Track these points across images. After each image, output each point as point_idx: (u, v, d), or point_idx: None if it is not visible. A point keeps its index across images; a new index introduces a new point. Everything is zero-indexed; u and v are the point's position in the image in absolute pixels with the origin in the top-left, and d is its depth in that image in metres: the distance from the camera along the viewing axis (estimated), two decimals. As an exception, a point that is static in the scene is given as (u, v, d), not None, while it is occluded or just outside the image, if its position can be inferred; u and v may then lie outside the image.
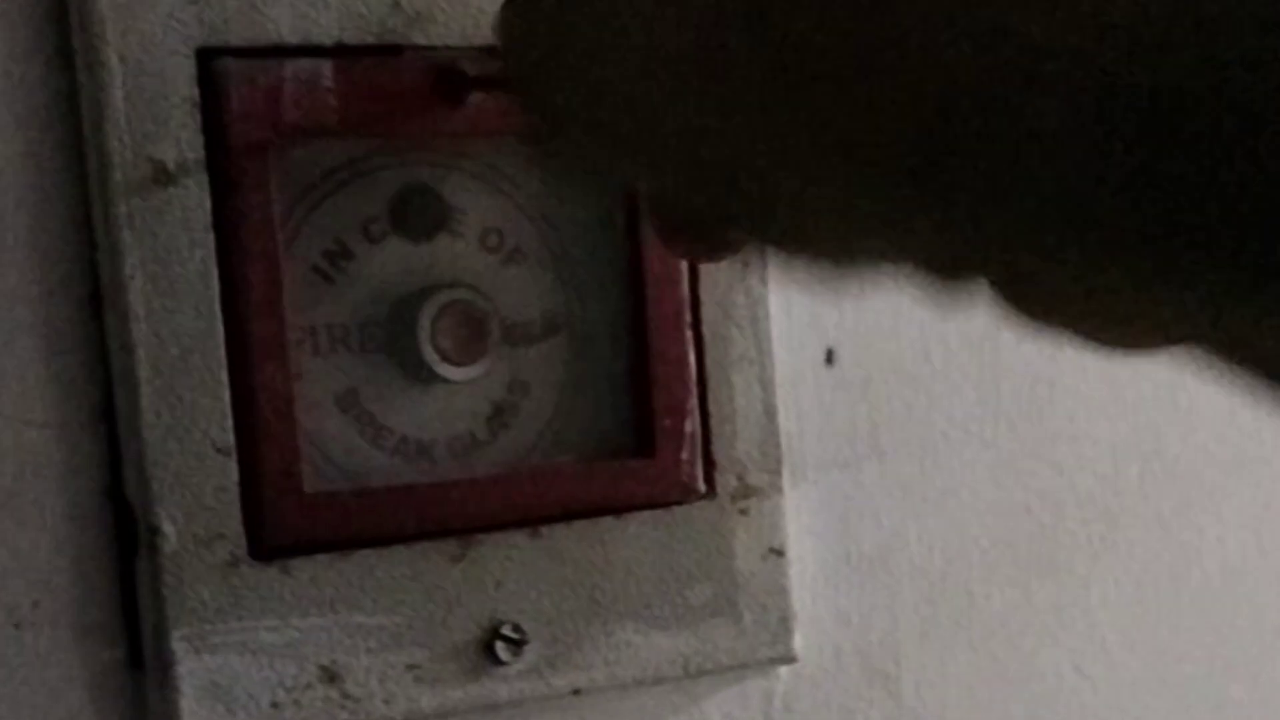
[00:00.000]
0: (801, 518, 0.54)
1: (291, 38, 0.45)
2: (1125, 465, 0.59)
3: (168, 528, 0.44)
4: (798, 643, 0.53)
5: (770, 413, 0.52)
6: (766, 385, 0.52)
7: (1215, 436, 0.60)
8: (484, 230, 0.49)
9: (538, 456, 0.50)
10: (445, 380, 0.48)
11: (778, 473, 0.52)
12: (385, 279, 0.48)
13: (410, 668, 0.47)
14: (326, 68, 0.45)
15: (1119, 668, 0.59)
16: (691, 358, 0.50)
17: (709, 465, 0.51)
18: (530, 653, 0.48)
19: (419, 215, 0.48)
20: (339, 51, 0.45)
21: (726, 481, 0.51)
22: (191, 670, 0.44)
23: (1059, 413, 0.58)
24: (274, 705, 0.45)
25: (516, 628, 0.48)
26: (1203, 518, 0.61)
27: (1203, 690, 0.61)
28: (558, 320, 0.50)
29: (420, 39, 0.47)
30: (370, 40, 0.46)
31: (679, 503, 0.50)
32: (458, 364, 0.48)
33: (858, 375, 0.55)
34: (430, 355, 0.47)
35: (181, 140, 0.44)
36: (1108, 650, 0.59)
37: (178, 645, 0.44)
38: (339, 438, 0.47)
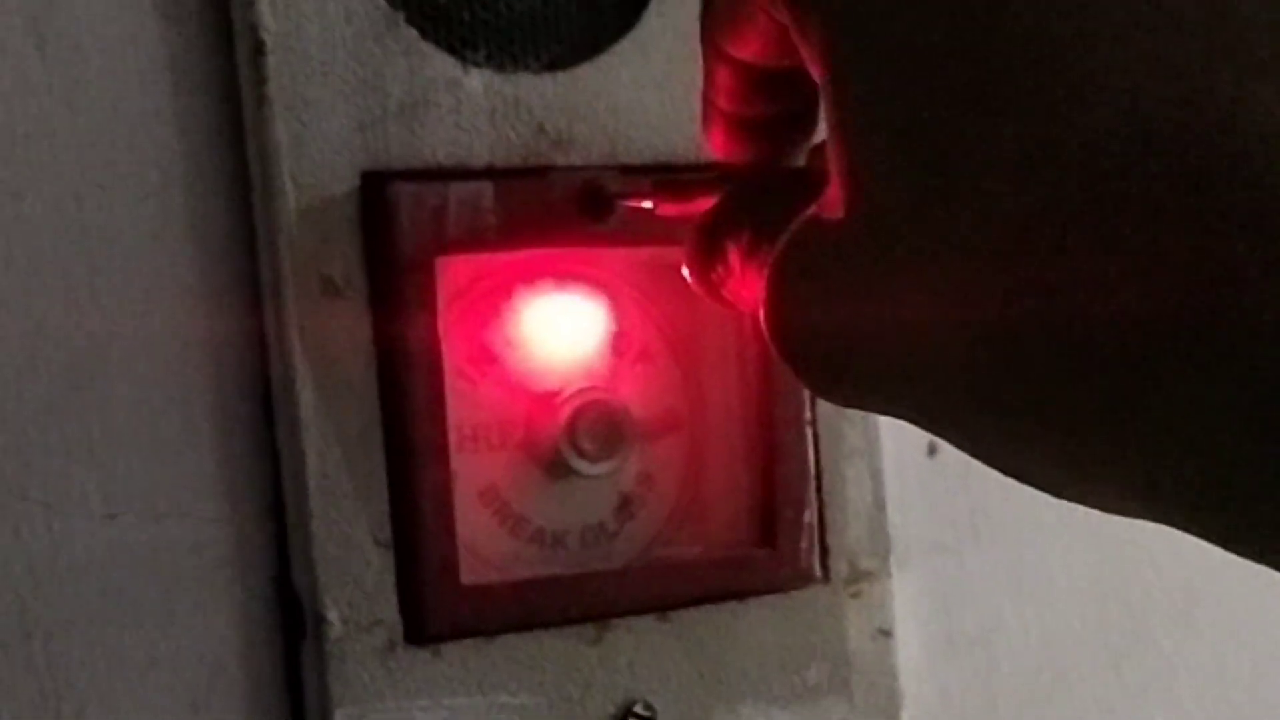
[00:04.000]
0: (906, 601, 0.57)
1: (447, 161, 0.48)
2: (1207, 546, 0.62)
3: (332, 615, 0.47)
4: (905, 720, 0.56)
5: (879, 502, 0.55)
6: (875, 476, 0.55)
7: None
8: (614, 333, 0.53)
9: (661, 545, 0.53)
10: (580, 475, 0.51)
11: (886, 558, 0.55)
12: (523, 380, 0.51)
13: (551, 745, 0.50)
14: (487, 189, 0.48)
15: (1204, 742, 0.62)
16: (811, 453, 0.53)
17: (824, 552, 0.54)
18: (660, 730, 0.52)
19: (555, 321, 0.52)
20: (490, 173, 0.49)
21: (839, 567, 0.54)
22: (353, 748, 0.48)
23: (1146, 500, 0.61)
24: (428, 781, 0.48)
25: (648, 705, 0.51)
26: (1284, 599, 0.63)
27: (1285, 764, 0.63)
28: (680, 417, 0.54)
29: (562, 160, 0.50)
30: (517, 163, 0.49)
31: (797, 588, 0.53)
32: (594, 460, 0.51)
33: (958, 466, 0.58)
34: (568, 452, 0.51)
35: (348, 255, 0.47)
36: (1193, 726, 0.62)
37: (341, 724, 0.47)
38: (482, 529, 0.51)
